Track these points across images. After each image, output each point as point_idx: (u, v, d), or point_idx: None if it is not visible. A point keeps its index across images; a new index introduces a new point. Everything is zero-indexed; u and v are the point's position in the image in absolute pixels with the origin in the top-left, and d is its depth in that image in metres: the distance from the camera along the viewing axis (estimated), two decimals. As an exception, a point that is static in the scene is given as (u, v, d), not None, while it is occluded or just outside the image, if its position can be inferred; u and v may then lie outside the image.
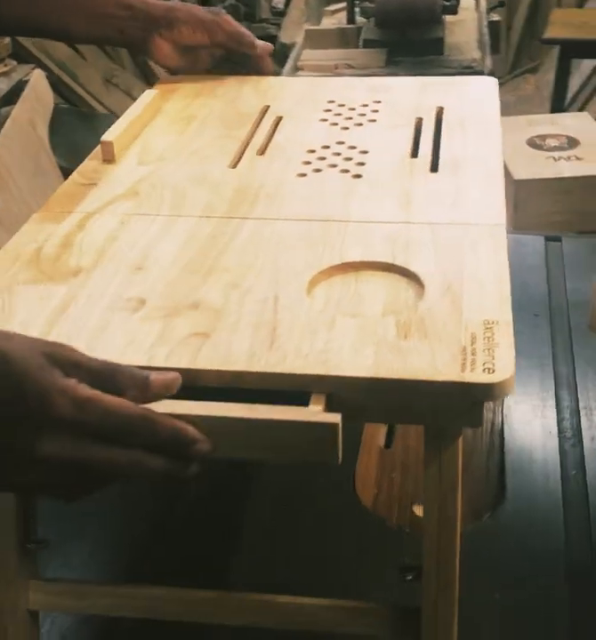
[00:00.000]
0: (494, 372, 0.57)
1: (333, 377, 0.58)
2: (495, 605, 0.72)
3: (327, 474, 0.86)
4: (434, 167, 0.85)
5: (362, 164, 0.86)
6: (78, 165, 0.88)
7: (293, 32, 3.45)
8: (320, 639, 0.69)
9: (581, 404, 0.94)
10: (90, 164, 0.89)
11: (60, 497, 0.55)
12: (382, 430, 0.92)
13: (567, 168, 1.86)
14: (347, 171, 0.85)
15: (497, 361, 0.57)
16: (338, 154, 0.89)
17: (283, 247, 0.73)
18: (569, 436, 0.90)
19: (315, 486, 0.85)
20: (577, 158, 1.92)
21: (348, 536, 0.80)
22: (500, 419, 0.92)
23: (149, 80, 3.38)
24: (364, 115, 0.98)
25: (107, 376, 0.54)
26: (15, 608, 0.69)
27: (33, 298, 0.67)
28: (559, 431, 0.91)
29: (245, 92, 1.06)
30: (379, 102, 1.01)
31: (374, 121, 0.96)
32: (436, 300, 0.64)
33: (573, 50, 2.72)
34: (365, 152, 0.89)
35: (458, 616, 0.63)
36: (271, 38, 3.72)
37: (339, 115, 0.98)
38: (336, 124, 0.96)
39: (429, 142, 0.90)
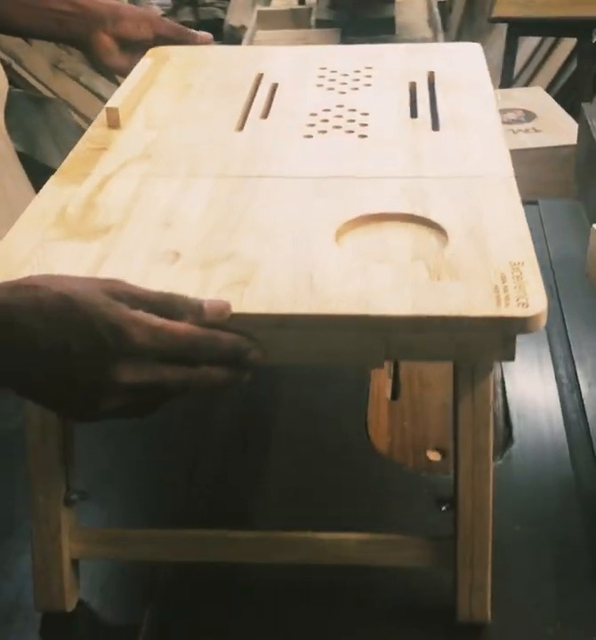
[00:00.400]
0: (528, 306, 0.60)
1: (377, 317, 0.60)
2: (516, 537, 0.76)
3: (340, 424, 0.89)
4: (435, 126, 0.88)
5: (365, 125, 0.89)
6: (34, 150, 0.90)
7: (240, 15, 3.45)
8: (355, 574, 0.72)
9: (574, 354, 0.98)
10: (96, 130, 0.90)
11: (136, 416, 0.58)
12: (388, 383, 0.95)
13: (528, 140, 1.92)
14: (351, 131, 0.88)
15: (530, 296, 0.61)
16: (340, 116, 0.91)
17: (304, 202, 0.75)
18: (566, 383, 0.95)
19: (331, 437, 0.88)
20: (535, 130, 1.98)
21: (367, 480, 0.83)
22: (500, 369, 0.96)
23: (97, 66, 3.35)
24: (358, 80, 1.01)
25: (164, 305, 0.57)
26: (59, 559, 0.70)
27: (68, 254, 0.69)
28: (557, 379, 0.95)
29: (237, 61, 1.08)
30: (370, 68, 1.03)
31: (370, 85, 0.99)
32: (461, 245, 0.67)
33: (520, 28, 2.78)
34: (366, 114, 0.91)
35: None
36: (219, 21, 3.73)
37: (333, 80, 1.01)
38: (333, 89, 0.98)
39: (426, 103, 0.93)
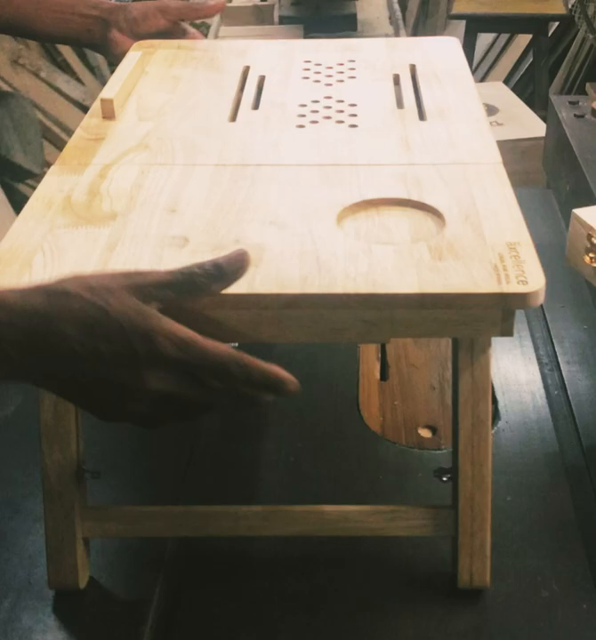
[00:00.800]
0: (527, 283, 0.63)
1: (385, 295, 0.63)
2: (508, 506, 0.79)
3: (333, 405, 0.92)
4: (422, 116, 0.91)
5: (354, 115, 0.92)
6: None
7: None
8: (354, 546, 0.75)
9: (553, 334, 1.02)
10: (91, 121, 0.91)
11: (152, 425, 0.60)
12: (376, 365, 0.99)
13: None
14: (342, 121, 0.91)
15: (528, 274, 0.64)
16: (329, 107, 0.94)
17: (303, 189, 0.77)
18: (547, 362, 0.99)
19: (324, 417, 0.91)
20: (498, 124, 2.03)
21: (362, 457, 0.86)
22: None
23: (56, 59, 3.34)
24: (342, 72, 1.03)
25: (187, 284, 0.60)
26: (72, 536, 0.72)
27: (78, 239, 0.70)
28: (537, 358, 0.99)
29: (221, 55, 1.10)
30: (353, 61, 1.06)
31: (354, 77, 1.02)
32: (458, 227, 0.71)
33: (478, 24, 2.84)
34: (353, 105, 0.94)
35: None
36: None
37: (318, 73, 1.03)
38: (319, 81, 1.01)
39: (410, 95, 0.96)
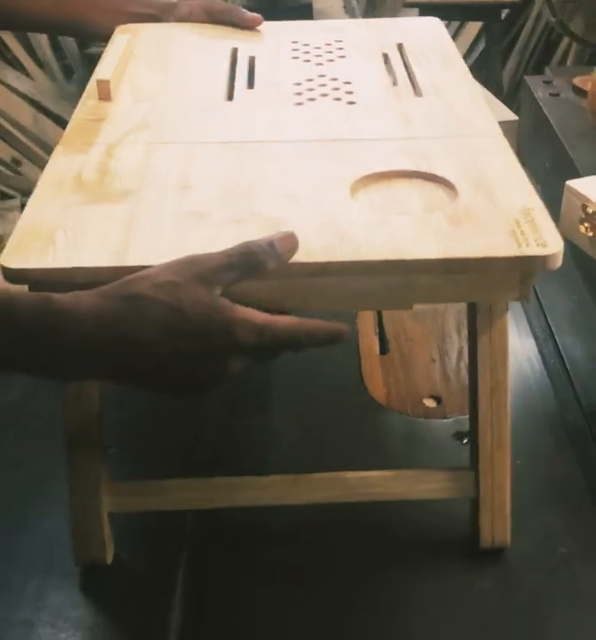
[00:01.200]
0: (546, 246, 0.65)
1: (410, 261, 0.65)
2: (518, 469, 0.81)
3: (338, 380, 0.94)
4: (418, 92, 0.92)
5: (350, 92, 0.93)
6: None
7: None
8: (375, 512, 0.77)
9: (544, 306, 1.05)
10: (88, 102, 0.91)
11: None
12: (375, 340, 1.00)
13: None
14: (339, 99, 0.91)
15: (546, 237, 0.66)
16: (324, 85, 0.95)
17: (311, 164, 0.78)
18: (541, 334, 1.01)
19: (332, 392, 0.92)
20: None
21: (372, 429, 0.87)
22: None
23: (5, 56, 3.28)
24: (331, 52, 1.04)
25: (245, 263, 0.61)
26: (99, 512, 0.72)
27: (95, 216, 0.70)
28: (531, 330, 1.02)
29: (207, 37, 1.10)
30: (340, 41, 1.07)
31: (344, 57, 1.03)
32: (470, 197, 0.72)
33: (431, 12, 2.86)
34: (348, 82, 0.95)
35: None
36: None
37: (308, 53, 1.04)
38: (309, 61, 1.02)
39: (402, 72, 0.97)
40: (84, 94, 0.93)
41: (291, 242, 0.64)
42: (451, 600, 0.71)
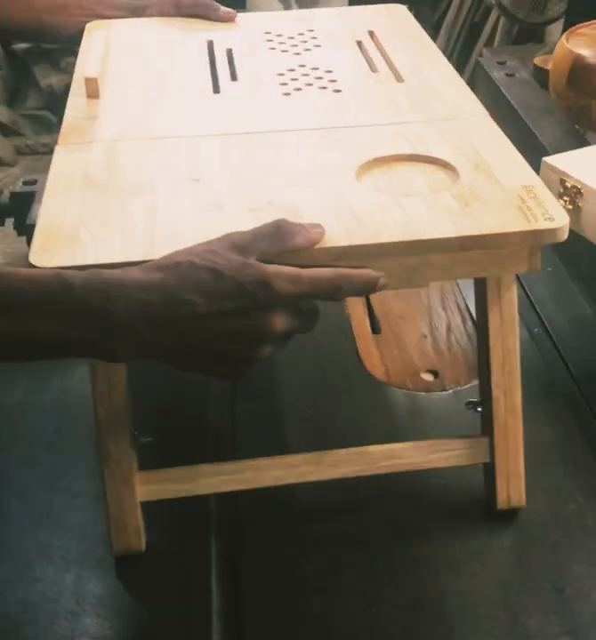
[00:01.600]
0: (553, 219, 0.69)
1: (427, 241, 0.67)
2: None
3: (338, 360, 0.96)
4: (399, 78, 0.95)
5: (334, 81, 0.95)
6: None
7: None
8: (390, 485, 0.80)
9: (521, 278, 1.09)
10: (76, 100, 0.91)
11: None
12: (367, 320, 1.03)
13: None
14: (325, 88, 0.94)
15: (552, 212, 0.69)
16: (306, 75, 0.97)
17: (314, 151, 0.80)
18: (520, 304, 1.05)
19: (333, 371, 0.95)
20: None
21: (377, 404, 0.91)
22: (462, 298, 1.06)
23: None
24: (306, 42, 1.06)
25: (277, 236, 0.64)
26: (133, 500, 0.74)
27: (114, 210, 0.71)
28: (512, 300, 1.06)
29: (180, 30, 1.11)
30: (312, 30, 1.09)
31: (319, 46, 1.05)
32: (472, 177, 0.75)
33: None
34: (329, 71, 0.97)
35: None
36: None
37: (283, 43, 1.06)
38: (287, 51, 1.04)
39: (380, 59, 1.00)
40: (71, 92, 0.93)
41: (317, 227, 0.66)
42: (477, 558, 0.75)
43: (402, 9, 1.17)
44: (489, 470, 0.78)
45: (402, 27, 1.10)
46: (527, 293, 1.07)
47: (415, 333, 1.01)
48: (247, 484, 0.76)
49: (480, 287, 0.75)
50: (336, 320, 1.03)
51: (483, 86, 1.42)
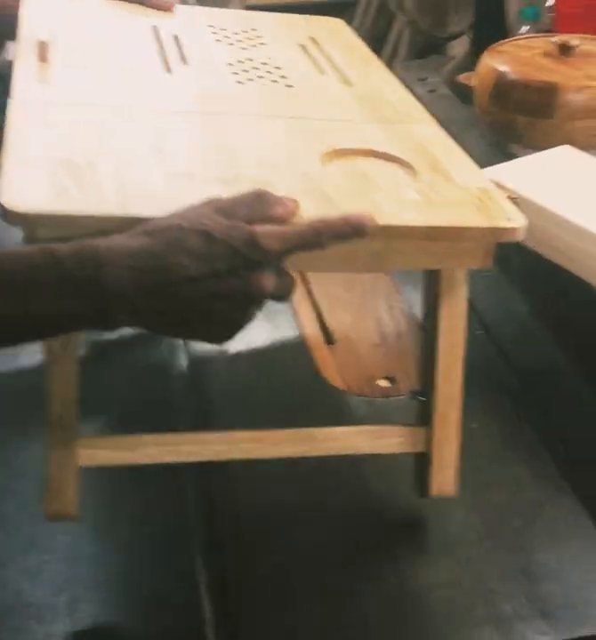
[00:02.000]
0: (513, 220, 0.69)
1: (396, 227, 0.67)
2: (475, 432, 0.87)
3: (295, 372, 0.97)
4: (346, 81, 0.94)
5: (284, 77, 0.94)
6: None
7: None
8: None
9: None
10: (28, 61, 0.86)
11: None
12: (319, 331, 1.04)
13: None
14: (276, 81, 0.92)
15: (509, 213, 0.70)
16: (257, 68, 0.95)
17: (277, 136, 0.79)
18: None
19: (292, 383, 0.95)
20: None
21: (337, 412, 0.92)
22: (407, 306, 1.08)
23: None
24: (251, 39, 1.05)
25: (259, 203, 0.62)
26: (73, 465, 0.71)
27: (83, 171, 0.67)
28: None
29: (122, 11, 1.07)
30: (255, 30, 1.08)
31: (265, 44, 1.04)
32: (431, 176, 0.75)
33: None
34: (278, 68, 0.96)
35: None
36: None
37: (228, 37, 1.04)
38: (233, 45, 1.02)
39: (326, 62, 0.99)
40: (20, 55, 0.88)
41: (293, 200, 0.65)
42: (447, 550, 0.76)
43: (340, 22, 1.17)
44: (424, 459, 0.77)
45: (342, 37, 1.11)
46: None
47: (368, 342, 1.01)
48: (188, 457, 0.74)
49: (432, 280, 0.74)
50: (288, 333, 1.03)
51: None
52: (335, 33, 1.12)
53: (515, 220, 0.69)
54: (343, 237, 0.62)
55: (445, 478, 0.77)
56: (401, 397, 0.93)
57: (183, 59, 0.95)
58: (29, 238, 0.62)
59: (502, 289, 1.09)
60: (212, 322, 0.61)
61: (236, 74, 0.93)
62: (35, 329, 0.58)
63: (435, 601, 0.71)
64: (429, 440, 0.76)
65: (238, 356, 0.97)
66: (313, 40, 1.07)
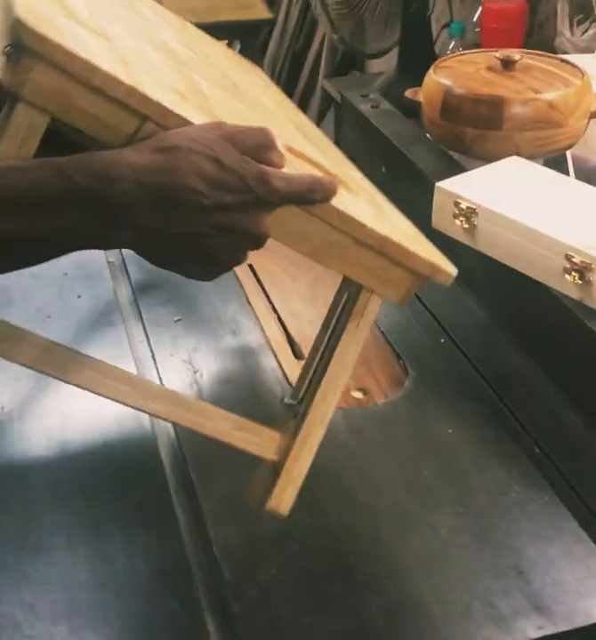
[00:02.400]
0: (447, 264, 0.73)
1: (360, 224, 0.68)
2: (451, 436, 0.94)
3: (266, 388, 1.01)
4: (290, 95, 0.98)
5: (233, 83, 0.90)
6: None
7: None
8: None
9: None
10: None
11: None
12: (286, 346, 1.08)
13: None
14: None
15: (443, 261, 0.73)
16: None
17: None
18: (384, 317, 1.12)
19: (264, 400, 1.00)
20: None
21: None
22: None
23: None
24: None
25: (260, 136, 0.62)
26: None
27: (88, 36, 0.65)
28: (412, 315, 1.14)
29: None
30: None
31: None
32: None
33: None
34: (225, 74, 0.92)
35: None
36: None
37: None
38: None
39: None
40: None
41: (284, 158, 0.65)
42: (441, 553, 0.81)
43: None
44: (274, 469, 0.74)
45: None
46: (426, 307, 1.15)
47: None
48: (63, 375, 0.68)
49: (342, 296, 0.77)
50: (258, 349, 1.07)
51: (350, 119, 1.50)
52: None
53: (450, 267, 0.73)
54: (325, 201, 0.63)
55: (285, 496, 0.73)
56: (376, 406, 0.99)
57: None
58: (20, 85, 0.58)
59: (460, 298, 1.15)
60: (207, 255, 0.60)
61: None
62: (38, 245, 0.57)
63: (433, 604, 0.75)
64: (286, 452, 0.73)
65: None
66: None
